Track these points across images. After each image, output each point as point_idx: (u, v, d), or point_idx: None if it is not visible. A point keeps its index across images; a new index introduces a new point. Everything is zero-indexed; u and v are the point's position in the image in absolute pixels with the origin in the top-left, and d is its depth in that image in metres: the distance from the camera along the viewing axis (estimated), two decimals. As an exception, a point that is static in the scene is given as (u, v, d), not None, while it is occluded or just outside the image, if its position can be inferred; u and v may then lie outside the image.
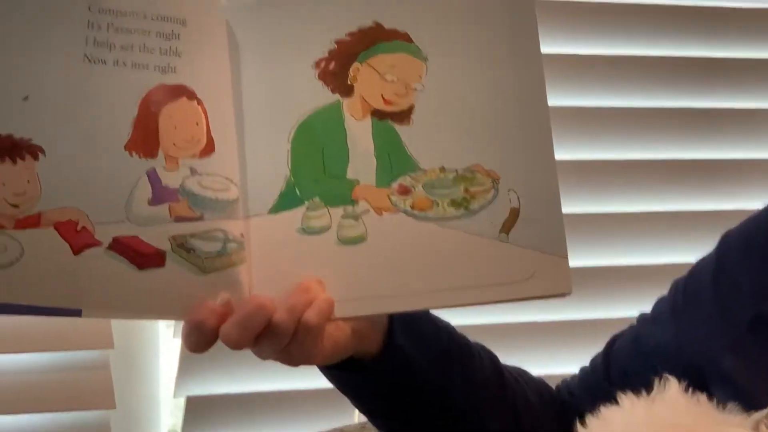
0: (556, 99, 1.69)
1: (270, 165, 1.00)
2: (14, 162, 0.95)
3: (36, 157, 0.95)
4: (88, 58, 0.97)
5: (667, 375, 0.85)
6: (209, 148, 0.99)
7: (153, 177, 0.98)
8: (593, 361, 1.27)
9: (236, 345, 0.95)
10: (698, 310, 1.18)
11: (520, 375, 1.21)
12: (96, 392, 1.55)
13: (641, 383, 0.86)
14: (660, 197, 1.90)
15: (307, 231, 1.00)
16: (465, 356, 1.14)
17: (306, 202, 1.00)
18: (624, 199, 1.89)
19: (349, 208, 1.00)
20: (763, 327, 1.12)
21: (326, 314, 0.97)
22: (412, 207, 1.00)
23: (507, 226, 0.99)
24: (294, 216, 1.00)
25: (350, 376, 1.07)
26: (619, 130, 1.88)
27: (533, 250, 0.99)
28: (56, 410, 1.56)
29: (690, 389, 0.85)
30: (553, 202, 1.00)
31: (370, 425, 1.21)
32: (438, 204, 1.00)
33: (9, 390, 1.52)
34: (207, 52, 1.01)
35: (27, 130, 0.95)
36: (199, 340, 0.96)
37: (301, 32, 1.02)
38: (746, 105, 1.95)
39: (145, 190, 0.97)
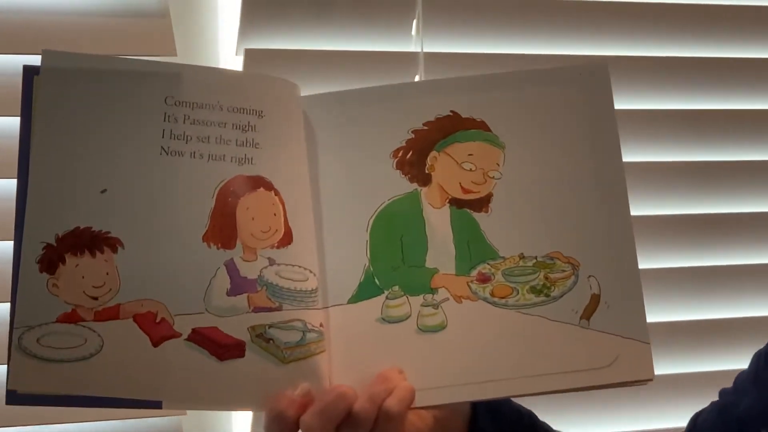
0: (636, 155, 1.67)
1: (349, 255, 1.00)
2: (93, 255, 0.95)
3: (115, 250, 0.95)
4: (164, 150, 0.98)
5: None
6: (287, 239, 0.99)
7: (231, 268, 0.97)
8: None
9: None
10: None
11: None
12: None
13: None
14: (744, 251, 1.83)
15: (387, 320, 0.99)
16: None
17: (385, 292, 1.00)
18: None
19: (429, 297, 1.00)
20: None
21: (407, 402, 0.96)
22: (492, 294, 0.99)
23: (588, 312, 0.99)
24: (373, 305, 1.00)
25: None
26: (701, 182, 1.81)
27: (614, 335, 0.98)
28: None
29: None
30: (633, 287, 0.99)
31: None
32: (518, 291, 0.99)
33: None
34: (284, 143, 1.01)
35: (105, 222, 0.96)
36: (281, 431, 0.95)
37: (378, 122, 1.03)
38: None
39: (224, 281, 0.97)
